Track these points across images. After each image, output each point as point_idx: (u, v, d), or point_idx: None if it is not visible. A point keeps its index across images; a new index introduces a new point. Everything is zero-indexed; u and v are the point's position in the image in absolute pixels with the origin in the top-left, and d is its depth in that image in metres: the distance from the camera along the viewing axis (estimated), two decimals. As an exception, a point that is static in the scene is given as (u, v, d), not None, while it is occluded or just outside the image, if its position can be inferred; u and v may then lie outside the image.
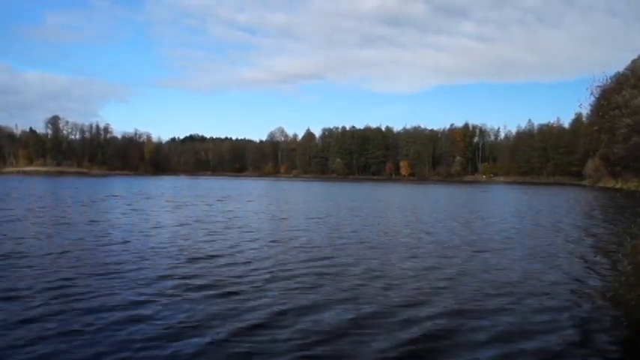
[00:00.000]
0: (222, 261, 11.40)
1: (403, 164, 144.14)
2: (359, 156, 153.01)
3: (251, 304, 8.00)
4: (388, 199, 39.75)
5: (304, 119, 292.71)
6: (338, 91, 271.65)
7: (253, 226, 18.85)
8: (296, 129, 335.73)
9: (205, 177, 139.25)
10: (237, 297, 8.47)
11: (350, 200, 36.80)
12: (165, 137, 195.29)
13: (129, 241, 14.18)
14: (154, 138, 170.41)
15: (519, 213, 25.81)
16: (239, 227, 18.53)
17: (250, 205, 30.54)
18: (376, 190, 59.99)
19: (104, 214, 22.28)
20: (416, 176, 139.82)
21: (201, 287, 8.91)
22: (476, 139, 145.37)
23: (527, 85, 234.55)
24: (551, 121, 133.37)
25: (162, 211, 24.26)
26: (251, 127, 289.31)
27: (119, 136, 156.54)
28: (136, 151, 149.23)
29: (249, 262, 11.34)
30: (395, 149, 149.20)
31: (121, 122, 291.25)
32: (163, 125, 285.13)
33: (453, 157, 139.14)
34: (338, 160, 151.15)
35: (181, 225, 18.78)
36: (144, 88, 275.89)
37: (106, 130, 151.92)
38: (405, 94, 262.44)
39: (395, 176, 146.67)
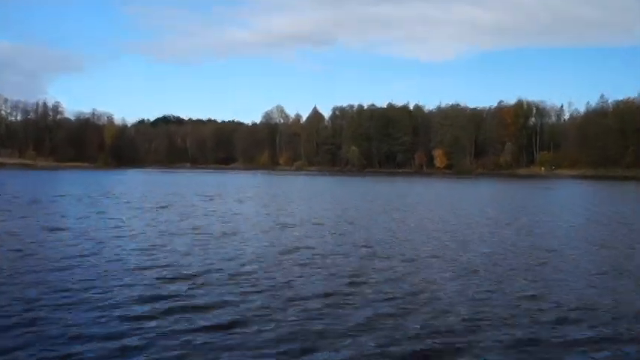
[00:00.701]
0: (216, 290, 11.00)
1: (437, 153, 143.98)
2: (380, 143, 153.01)
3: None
4: (420, 200, 39.52)
5: (309, 95, 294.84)
6: (352, 58, 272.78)
7: (248, 236, 18.67)
8: (299, 108, 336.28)
9: (183, 170, 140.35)
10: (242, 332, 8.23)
11: (370, 201, 36.64)
12: (132, 119, 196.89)
13: (86, 256, 14.11)
14: (117, 120, 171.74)
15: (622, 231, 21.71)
16: (232, 236, 18.37)
17: (243, 207, 30.61)
18: (403, 188, 59.77)
19: (54, 219, 22.36)
20: (454, 169, 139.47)
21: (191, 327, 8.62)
22: (532, 121, 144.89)
23: (599, 51, 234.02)
24: (631, 97, 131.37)
25: (131, 217, 24.31)
26: (241, 105, 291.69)
27: (72, 118, 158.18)
28: (93, 137, 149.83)
29: (258, 288, 11.22)
30: (426, 134, 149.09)
31: (74, 100, 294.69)
32: (129, 104, 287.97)
33: (502, 143, 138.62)
34: (353, 148, 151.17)
35: (158, 234, 18.64)
36: (104, 56, 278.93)
37: (56, 109, 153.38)
38: (439, 61, 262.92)
39: (426, 169, 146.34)
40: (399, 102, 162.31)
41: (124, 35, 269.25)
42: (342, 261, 14.22)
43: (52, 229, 18.98)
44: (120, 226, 20.54)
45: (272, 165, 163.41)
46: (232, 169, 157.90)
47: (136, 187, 51.92)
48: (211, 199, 36.26)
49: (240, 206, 30.80)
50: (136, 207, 29.04)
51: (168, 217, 24.01)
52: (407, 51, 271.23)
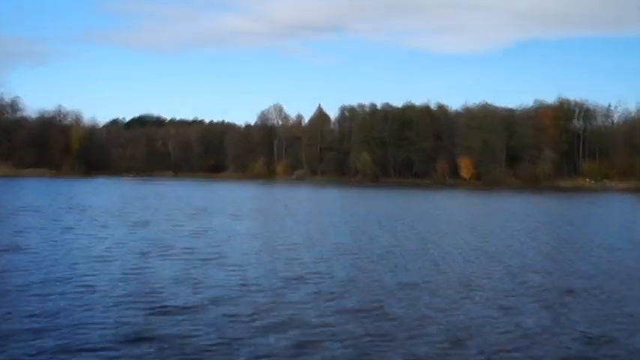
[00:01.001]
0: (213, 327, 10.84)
1: (463, 162, 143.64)
2: (396, 149, 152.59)
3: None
4: (447, 220, 39.40)
5: (313, 93, 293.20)
6: (365, 50, 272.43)
7: (249, 260, 18.48)
8: (301, 107, 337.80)
9: (164, 179, 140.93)
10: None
11: (388, 219, 36.47)
12: (104, 119, 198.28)
13: (52, 282, 14.04)
14: (86, 120, 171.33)
15: None
16: (225, 261, 18.20)
17: (239, 224, 30.40)
18: (429, 203, 59.50)
19: (13, 238, 22.29)
20: (483, 180, 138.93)
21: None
22: (575, 124, 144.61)
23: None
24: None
25: (104, 235, 24.05)
26: (233, 104, 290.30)
27: (34, 117, 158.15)
28: (58, 140, 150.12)
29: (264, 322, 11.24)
30: (451, 138, 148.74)
31: (36, 96, 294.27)
32: (100, 101, 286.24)
33: (540, 150, 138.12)
34: (364, 154, 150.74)
35: (137, 256, 18.49)
36: (71, 44, 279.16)
37: (14, 106, 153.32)
38: (467, 54, 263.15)
39: (450, 180, 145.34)
40: (418, 101, 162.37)
41: (95, 21, 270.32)
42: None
43: (10, 250, 18.84)
44: (90, 246, 20.38)
45: (268, 174, 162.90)
46: (222, 178, 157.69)
47: (108, 198, 51.78)
48: (197, 215, 36.01)
49: (234, 225, 30.56)
50: (109, 223, 28.85)
51: (147, 236, 23.81)
52: (429, 42, 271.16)
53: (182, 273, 15.95)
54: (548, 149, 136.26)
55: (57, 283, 14.02)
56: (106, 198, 52.66)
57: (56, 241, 21.86)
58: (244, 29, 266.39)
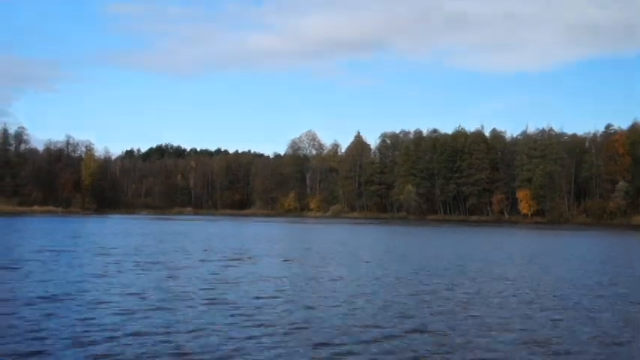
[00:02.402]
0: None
1: (523, 195, 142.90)
2: (446, 181, 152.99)
3: None
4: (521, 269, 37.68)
5: (351, 119, 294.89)
6: (407, 70, 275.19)
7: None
8: (337, 135, 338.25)
9: (184, 217, 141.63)
10: None
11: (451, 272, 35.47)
12: (117, 150, 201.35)
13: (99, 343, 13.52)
14: (99, 151, 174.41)
15: None
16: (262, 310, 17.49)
17: (295, 268, 29.88)
18: (484, 244, 58.53)
19: (38, 286, 22.07)
20: (546, 216, 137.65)
21: None
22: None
23: None
24: None
25: (147, 282, 23.77)
26: (260, 132, 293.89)
27: (41, 149, 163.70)
28: (67, 174, 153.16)
29: None
30: (508, 169, 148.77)
31: (44, 125, 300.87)
32: (114, 130, 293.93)
33: (612, 182, 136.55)
34: (409, 187, 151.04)
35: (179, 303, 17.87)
36: (82, 68, 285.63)
37: (20, 137, 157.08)
38: (524, 73, 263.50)
39: (509, 216, 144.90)
40: (470, 127, 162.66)
41: (107, 42, 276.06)
42: None
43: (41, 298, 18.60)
44: (133, 293, 20.19)
45: (299, 210, 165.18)
46: (248, 215, 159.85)
47: (135, 238, 51.75)
48: (242, 258, 35.62)
49: (292, 269, 30.03)
50: (147, 268, 28.54)
51: (186, 282, 23.42)
52: (480, 61, 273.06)
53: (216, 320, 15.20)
54: (622, 181, 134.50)
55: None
56: (123, 238, 52.56)
57: (86, 287, 21.30)
58: (272, 48, 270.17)
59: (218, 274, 26.89)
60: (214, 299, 19.47)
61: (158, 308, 17.78)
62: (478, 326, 16.26)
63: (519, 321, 17.12)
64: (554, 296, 22.21)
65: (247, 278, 25.64)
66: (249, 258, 35.74)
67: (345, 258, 37.49)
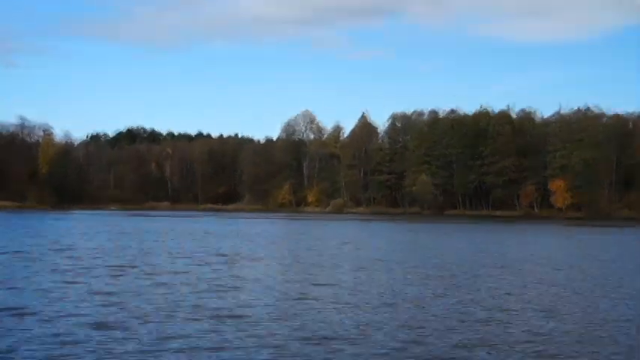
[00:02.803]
0: None
1: (556, 186, 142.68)
2: (467, 170, 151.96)
3: None
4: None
5: (355, 97, 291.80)
6: (423, 40, 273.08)
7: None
8: (339, 116, 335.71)
9: (160, 212, 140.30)
10: None
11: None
12: (80, 134, 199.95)
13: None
14: (58, 136, 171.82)
15: None
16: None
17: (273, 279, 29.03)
18: (530, 245, 57.15)
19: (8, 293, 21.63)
20: (584, 211, 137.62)
21: None
22: None
23: None
24: None
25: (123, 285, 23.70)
26: (249, 113, 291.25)
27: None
28: (21, 163, 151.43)
29: None
30: (539, 155, 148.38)
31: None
32: (77, 111, 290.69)
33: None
34: (424, 178, 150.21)
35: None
36: (44, 39, 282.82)
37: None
38: (557, 43, 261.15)
39: (539, 210, 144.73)
40: (495, 106, 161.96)
41: (73, 10, 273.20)
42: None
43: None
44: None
45: (296, 205, 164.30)
46: (236, 210, 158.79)
47: (98, 238, 51.21)
48: (236, 262, 35.22)
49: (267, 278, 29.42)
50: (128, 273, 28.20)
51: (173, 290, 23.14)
52: (508, 29, 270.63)
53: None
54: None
55: None
56: (91, 238, 52.10)
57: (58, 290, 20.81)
58: (265, 15, 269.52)
59: (220, 279, 26.66)
60: (218, 310, 19.25)
61: (146, 321, 17.57)
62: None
63: None
64: None
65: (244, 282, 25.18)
66: (249, 259, 35.26)
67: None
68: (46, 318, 17.62)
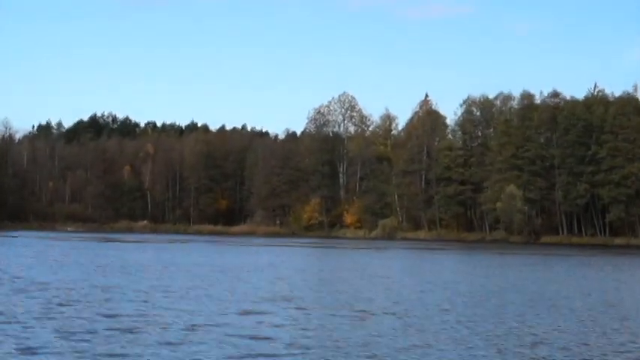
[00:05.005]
0: None
1: None
2: (572, 179, 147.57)
3: None
4: None
5: (412, 75, 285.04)
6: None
7: None
8: (389, 101, 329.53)
9: (136, 236, 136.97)
10: None
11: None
12: (26, 124, 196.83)
13: None
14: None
15: None
16: None
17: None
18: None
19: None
20: None
21: None
22: None
23: None
24: None
25: None
26: (262, 96, 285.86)
27: None
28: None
29: None
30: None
31: None
32: (18, 96, 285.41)
33: None
34: (511, 188, 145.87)
35: None
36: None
37: None
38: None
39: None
40: (617, 88, 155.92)
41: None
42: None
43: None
44: None
45: (329, 228, 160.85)
46: (241, 233, 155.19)
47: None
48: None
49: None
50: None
51: None
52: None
53: None
54: None
55: None
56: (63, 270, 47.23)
57: None
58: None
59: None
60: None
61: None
62: None
63: None
64: None
65: None
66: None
67: None
68: None
